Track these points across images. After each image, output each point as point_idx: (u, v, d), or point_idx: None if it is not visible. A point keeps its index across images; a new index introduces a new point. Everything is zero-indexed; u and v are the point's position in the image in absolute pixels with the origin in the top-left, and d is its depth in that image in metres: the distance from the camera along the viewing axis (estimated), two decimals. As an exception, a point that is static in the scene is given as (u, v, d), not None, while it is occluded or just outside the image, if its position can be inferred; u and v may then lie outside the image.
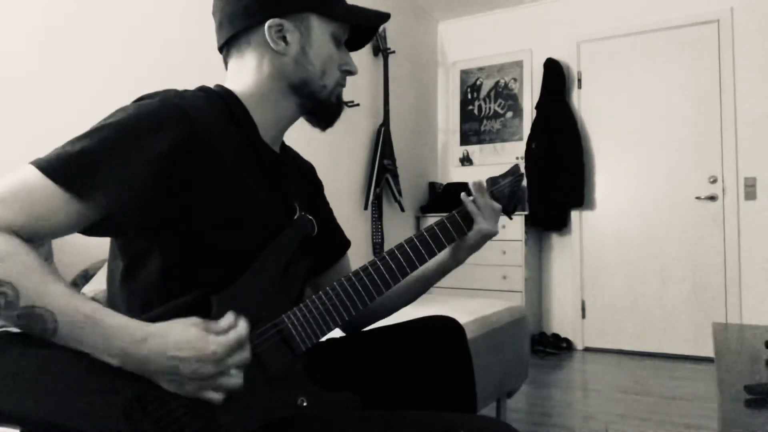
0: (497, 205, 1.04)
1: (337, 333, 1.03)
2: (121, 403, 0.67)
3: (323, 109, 0.95)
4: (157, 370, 0.67)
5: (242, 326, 0.74)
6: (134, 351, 0.66)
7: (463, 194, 1.03)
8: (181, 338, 0.68)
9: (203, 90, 0.89)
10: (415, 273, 0.99)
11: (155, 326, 0.69)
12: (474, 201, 1.02)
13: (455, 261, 1.07)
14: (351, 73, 0.96)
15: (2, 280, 0.63)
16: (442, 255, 1.06)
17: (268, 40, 0.88)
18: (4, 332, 0.66)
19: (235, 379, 0.72)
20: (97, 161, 0.72)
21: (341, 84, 0.95)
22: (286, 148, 1.03)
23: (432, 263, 1.06)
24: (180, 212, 0.77)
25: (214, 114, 0.84)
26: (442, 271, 1.08)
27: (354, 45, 1.01)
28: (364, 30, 0.99)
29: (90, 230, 0.75)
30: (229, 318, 0.74)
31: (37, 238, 0.70)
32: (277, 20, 0.88)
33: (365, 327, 1.10)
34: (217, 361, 0.69)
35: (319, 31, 0.90)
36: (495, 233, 1.03)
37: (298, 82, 0.91)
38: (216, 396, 0.71)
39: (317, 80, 0.91)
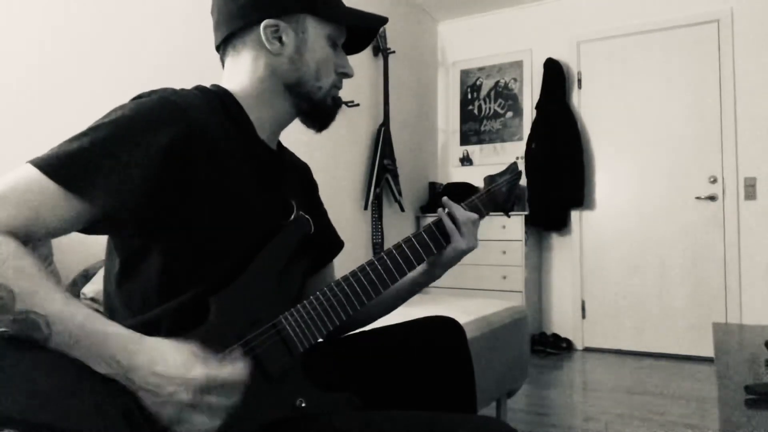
0: (474, 216, 1.02)
1: (336, 333, 1.03)
2: (120, 405, 0.67)
3: (318, 110, 0.95)
4: (140, 385, 0.65)
5: (240, 369, 0.70)
6: (125, 361, 0.65)
7: (439, 209, 1.01)
8: (170, 357, 0.66)
9: (199, 89, 0.89)
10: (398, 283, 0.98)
11: (150, 339, 0.68)
12: (450, 215, 1.00)
13: (431, 276, 1.05)
14: (347, 75, 0.96)
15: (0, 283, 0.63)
16: (420, 268, 1.03)
17: (264, 40, 0.88)
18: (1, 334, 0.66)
19: (207, 420, 0.66)
20: (96, 159, 0.71)
21: (337, 86, 0.96)
22: (282, 148, 1.03)
23: (409, 275, 1.03)
24: (178, 209, 0.77)
25: (210, 112, 0.84)
26: (417, 284, 1.06)
27: (354, 47, 1.01)
28: (363, 33, 0.99)
29: (88, 229, 0.75)
30: (234, 356, 0.71)
31: (35, 237, 0.70)
32: (272, 20, 0.88)
33: (350, 332, 1.09)
34: (194, 390, 0.65)
35: (315, 33, 0.91)
36: (471, 249, 1.00)
37: (293, 82, 0.91)
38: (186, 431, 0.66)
39: (312, 81, 0.91)
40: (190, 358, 0.67)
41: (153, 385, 0.65)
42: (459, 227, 1.00)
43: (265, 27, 0.88)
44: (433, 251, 0.99)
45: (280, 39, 0.89)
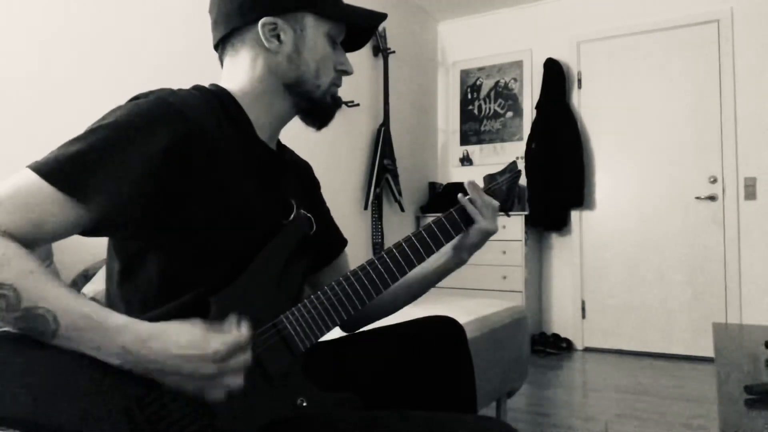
0: (495, 203, 1.04)
1: (335, 332, 1.03)
2: (120, 404, 0.67)
3: (318, 109, 0.95)
4: (158, 369, 0.67)
5: (244, 329, 0.73)
6: (137, 350, 0.66)
7: (459, 195, 1.03)
8: (183, 337, 0.68)
9: (197, 89, 0.89)
10: (416, 273, 0.98)
11: (158, 325, 0.69)
12: (471, 201, 1.02)
13: (457, 261, 1.06)
14: (347, 72, 0.96)
15: (3, 282, 0.63)
16: (444, 255, 1.05)
17: (262, 38, 0.88)
18: (1, 333, 0.66)
19: (236, 379, 0.71)
20: (94, 163, 0.72)
21: (336, 84, 0.95)
22: (282, 146, 1.03)
23: (433, 263, 1.05)
24: (177, 210, 0.77)
25: (209, 112, 0.84)
26: (444, 271, 1.07)
27: (353, 45, 1.01)
28: (362, 30, 0.99)
29: (89, 232, 0.75)
30: (231, 321, 0.74)
31: (36, 242, 0.70)
32: (271, 19, 0.88)
33: (363, 326, 1.10)
34: (218, 361, 0.69)
35: (314, 31, 0.90)
36: (495, 230, 1.02)
37: (292, 81, 0.91)
38: (218, 396, 0.71)
39: (311, 79, 0.91)
40: (202, 334, 0.70)
41: (173, 367, 0.67)
42: (481, 210, 1.01)
43: (264, 25, 0.88)
44: (443, 242, 0.99)
45: (278, 37, 0.89)
